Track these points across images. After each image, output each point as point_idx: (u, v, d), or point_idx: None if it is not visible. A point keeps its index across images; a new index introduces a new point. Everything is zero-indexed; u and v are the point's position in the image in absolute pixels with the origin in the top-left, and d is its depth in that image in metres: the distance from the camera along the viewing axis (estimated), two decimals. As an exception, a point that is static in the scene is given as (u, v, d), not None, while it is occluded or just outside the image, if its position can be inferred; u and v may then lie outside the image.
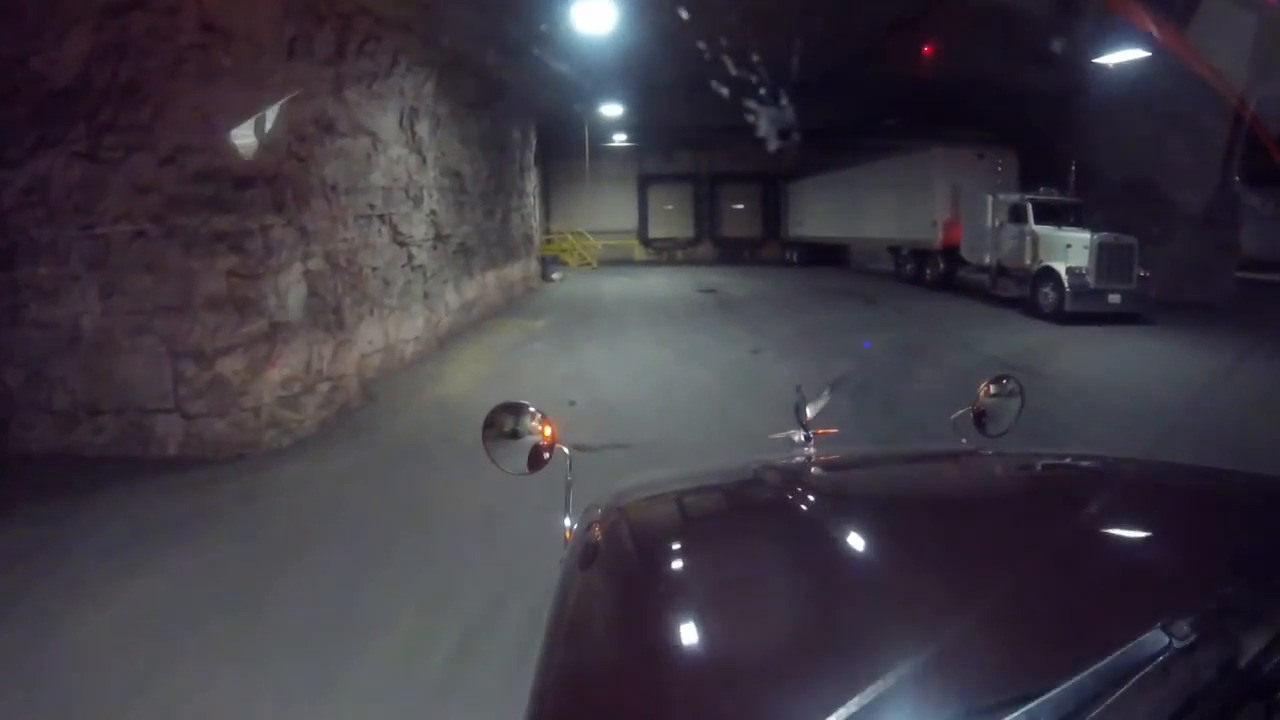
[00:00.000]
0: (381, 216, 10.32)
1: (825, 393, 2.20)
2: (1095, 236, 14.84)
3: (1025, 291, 16.24)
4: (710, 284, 22.39)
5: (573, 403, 8.45)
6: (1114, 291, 14.67)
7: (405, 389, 9.54)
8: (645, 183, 35.81)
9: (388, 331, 10.44)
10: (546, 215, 33.08)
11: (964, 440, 2.08)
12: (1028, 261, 16.30)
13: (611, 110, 22.38)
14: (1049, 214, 16.55)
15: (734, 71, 9.44)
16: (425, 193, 11.83)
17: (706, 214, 36.42)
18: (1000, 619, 1.01)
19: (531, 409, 1.98)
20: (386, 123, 10.60)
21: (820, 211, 29.33)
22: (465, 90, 14.07)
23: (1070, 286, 14.79)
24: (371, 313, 9.93)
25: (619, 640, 1.20)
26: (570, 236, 29.97)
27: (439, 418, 8.18)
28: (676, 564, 1.43)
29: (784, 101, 11.76)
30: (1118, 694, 0.76)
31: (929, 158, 20.24)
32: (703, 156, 35.25)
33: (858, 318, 15.61)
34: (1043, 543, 1.27)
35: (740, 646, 1.11)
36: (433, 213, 12.14)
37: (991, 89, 18.10)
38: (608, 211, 34.18)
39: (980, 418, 2.05)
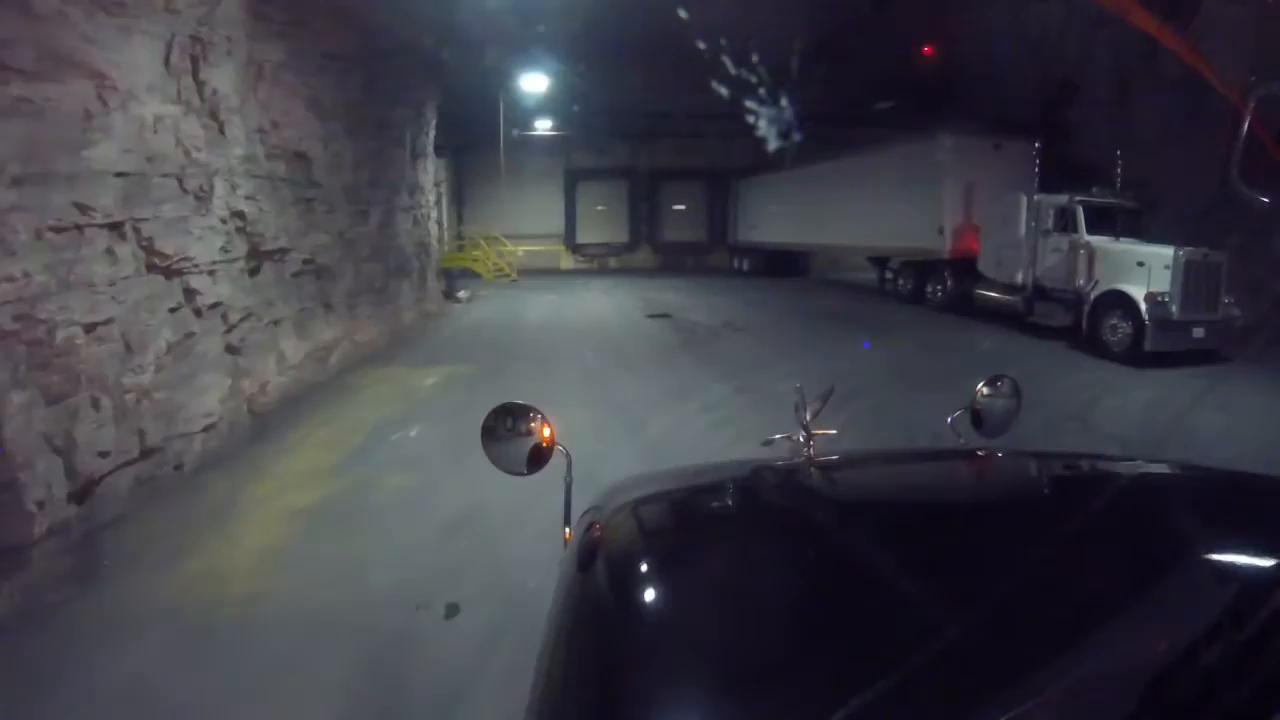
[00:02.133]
0: (115, 226, 5.74)
1: (823, 395, 2.23)
2: (1180, 253, 11.14)
3: (1073, 319, 12.61)
4: (659, 304, 18.03)
5: (452, 611, 4.15)
6: (1199, 324, 11.14)
7: (143, 558, 4.91)
8: (574, 179, 31.27)
9: (143, 428, 5.88)
10: (459, 218, 28.69)
11: (962, 440, 2.07)
12: (1080, 282, 12.55)
13: (535, 84, 18.12)
14: (1102, 222, 12.83)
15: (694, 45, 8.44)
16: (221, 182, 7.19)
17: (644, 216, 32.21)
18: (1000, 619, 1.02)
19: (531, 409, 1.96)
20: (134, 58, 6.01)
21: (778, 213, 25.25)
22: (319, 31, 9.45)
23: (1152, 318, 11.11)
24: (96, 406, 5.38)
25: (619, 641, 1.16)
26: (483, 243, 25.18)
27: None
28: (676, 564, 1.41)
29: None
30: (1119, 694, 0.81)
31: (935, 148, 16.29)
32: (641, 149, 31.14)
33: (882, 361, 11.43)
34: (1042, 543, 1.24)
35: (740, 647, 1.10)
36: (236, 215, 7.46)
37: (1007, 71, 14.52)
38: (531, 213, 29.71)
39: (978, 418, 2.05)
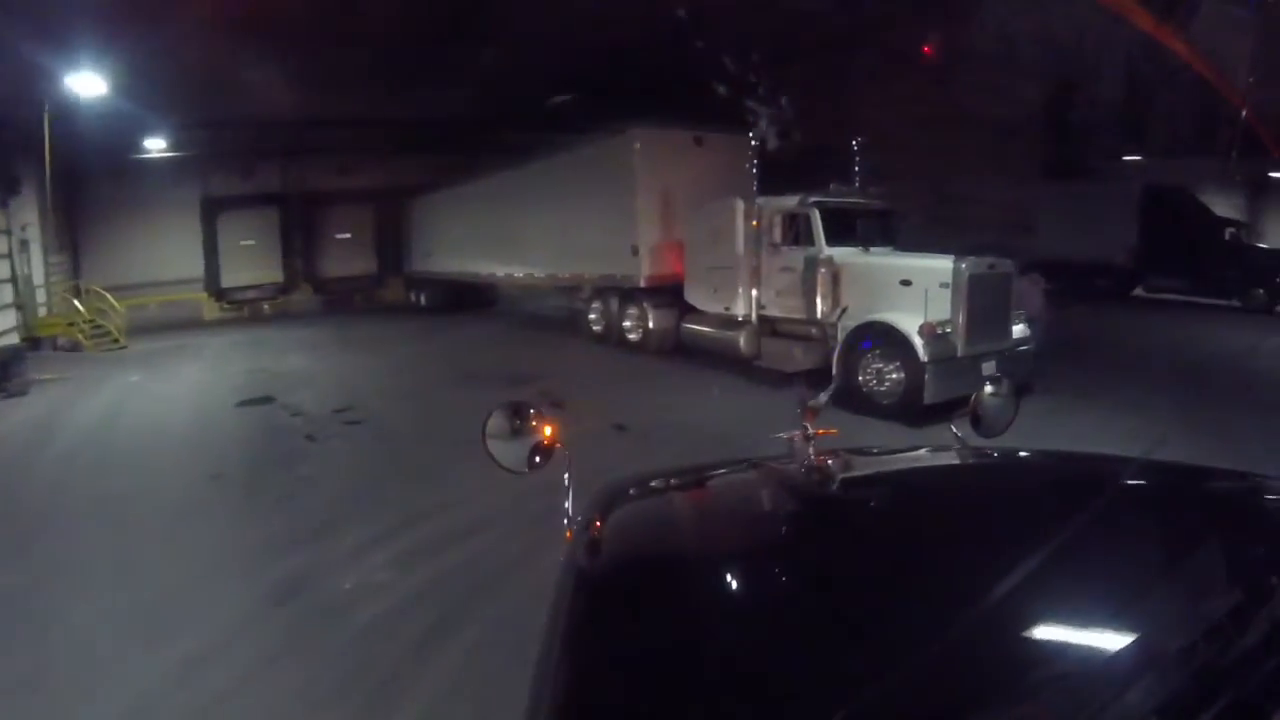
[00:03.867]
0: None
1: (826, 394, 2.22)
2: (963, 266, 8.13)
3: (820, 361, 9.20)
4: (273, 376, 12.48)
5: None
6: (990, 355, 8.31)
7: None
8: (214, 210, 24.45)
9: None
10: (76, 269, 21.84)
11: (962, 441, 2.04)
12: (822, 311, 9.04)
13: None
14: (846, 229, 9.56)
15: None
16: None
17: (301, 248, 26.06)
18: (999, 618, 1.01)
19: (532, 409, 2.03)
20: None
21: (454, 237, 20.50)
22: None
23: (931, 358, 7.96)
24: None
25: (619, 639, 1.18)
26: (76, 302, 18.34)
27: None
28: (676, 563, 1.41)
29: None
30: (1117, 694, 0.80)
31: (623, 145, 12.45)
32: (293, 169, 25.32)
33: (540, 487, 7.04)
34: (1042, 542, 1.15)
35: (740, 644, 1.11)
36: None
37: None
38: (166, 256, 23.36)
39: (978, 419, 2.04)
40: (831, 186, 9.84)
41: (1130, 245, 20.21)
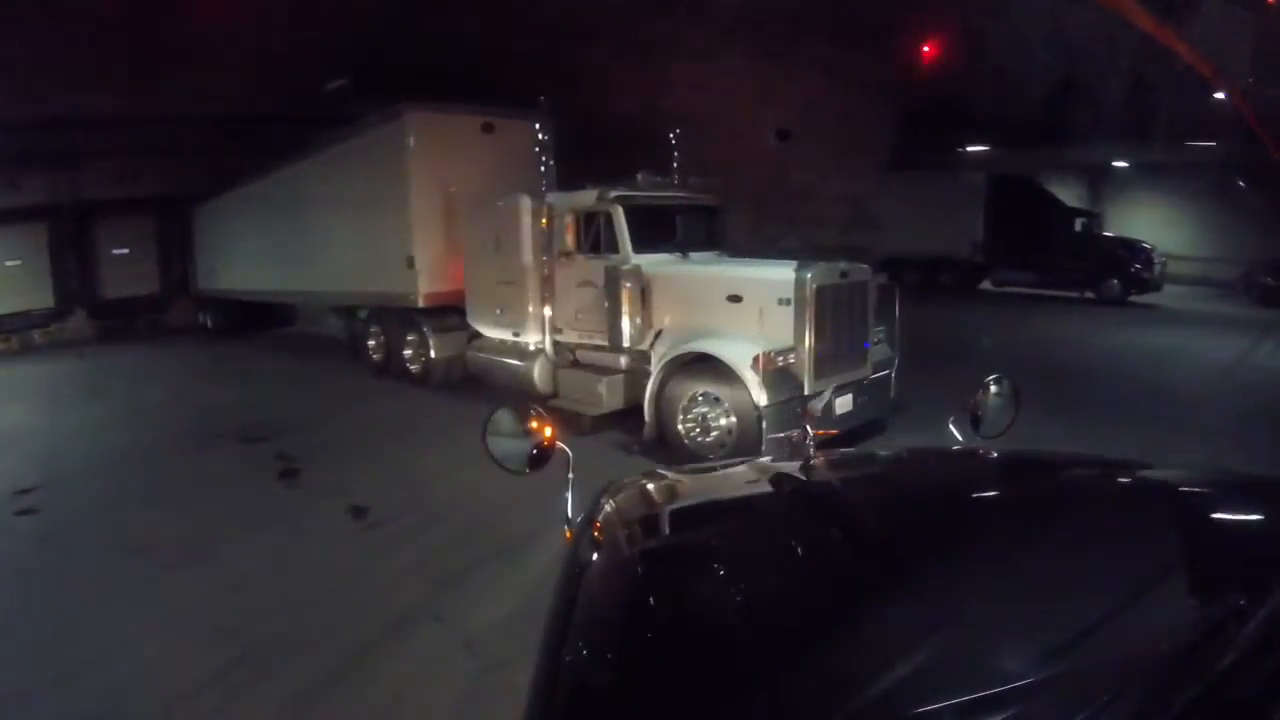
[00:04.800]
0: None
1: (827, 394, 2.19)
2: (808, 276, 6.15)
3: (626, 400, 7.38)
4: None
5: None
6: (844, 387, 6.46)
7: None
8: None
9: None
10: None
11: (961, 441, 2.08)
12: (629, 336, 6.99)
13: None
14: (659, 231, 7.49)
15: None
16: None
17: (74, 269, 21.71)
18: (998, 619, 1.02)
19: (533, 409, 2.00)
20: None
21: (240, 250, 17.17)
22: None
23: (769, 399, 5.99)
24: None
25: (619, 639, 1.17)
26: None
27: None
28: (676, 564, 1.40)
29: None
30: (1118, 694, 0.80)
31: (395, 132, 9.82)
32: (63, 177, 20.83)
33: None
34: (1041, 543, 1.21)
35: (740, 645, 1.09)
36: None
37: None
38: None
39: (977, 419, 2.05)
40: (639, 177, 7.60)
41: (976, 238, 19.54)
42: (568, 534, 1.67)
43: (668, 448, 6.46)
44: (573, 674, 1.09)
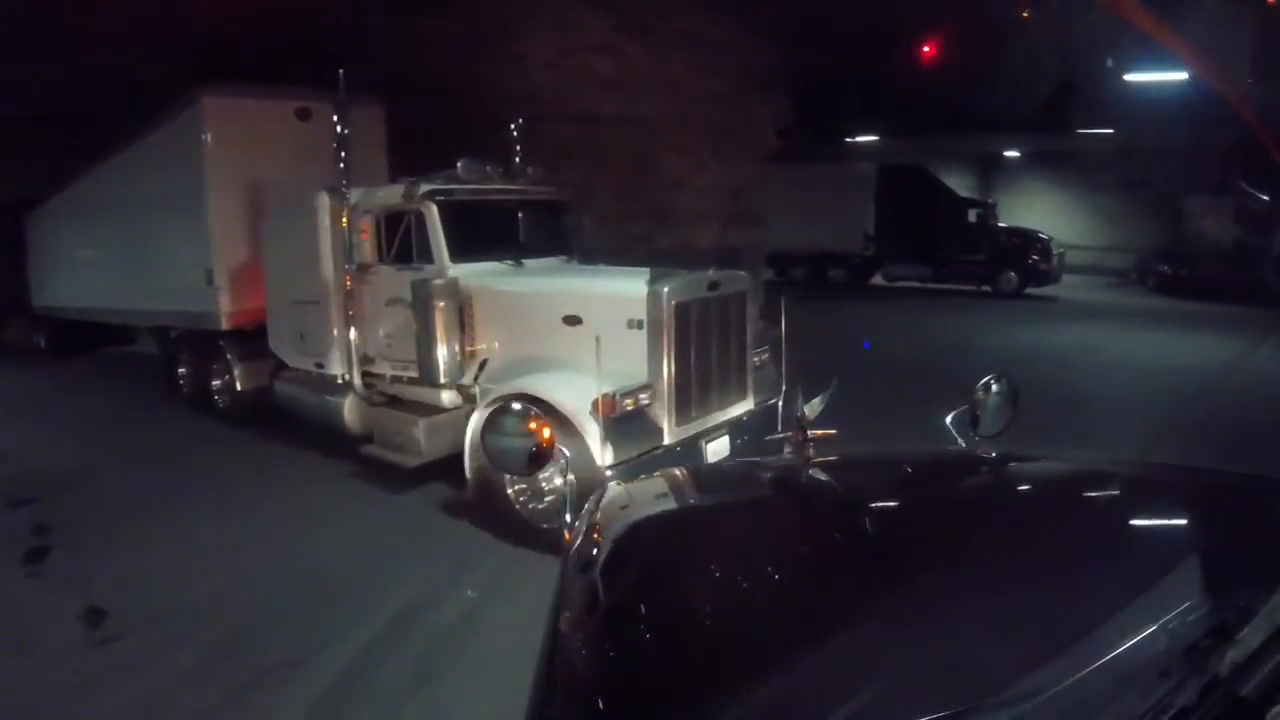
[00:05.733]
0: None
1: (823, 396, 2.16)
2: (664, 290, 4.79)
3: (448, 446, 5.79)
4: None
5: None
6: (717, 431, 5.21)
7: None
8: None
9: None
10: None
11: (960, 441, 2.03)
12: (444, 366, 5.58)
13: None
14: (485, 235, 6.02)
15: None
16: None
17: None
18: (998, 618, 1.01)
19: (532, 410, 1.94)
20: None
21: (71, 260, 14.82)
22: None
23: (615, 457, 4.60)
24: None
25: (619, 640, 1.15)
26: None
27: None
28: (676, 564, 1.41)
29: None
30: (1117, 694, 0.80)
31: (191, 120, 7.97)
32: None
33: None
34: (1040, 542, 1.22)
35: (739, 645, 1.09)
36: None
37: None
38: None
39: (975, 419, 2.01)
40: (460, 166, 6.08)
41: (866, 231, 18.82)
42: (567, 535, 1.63)
43: (499, 512, 5.05)
44: (574, 674, 1.08)
